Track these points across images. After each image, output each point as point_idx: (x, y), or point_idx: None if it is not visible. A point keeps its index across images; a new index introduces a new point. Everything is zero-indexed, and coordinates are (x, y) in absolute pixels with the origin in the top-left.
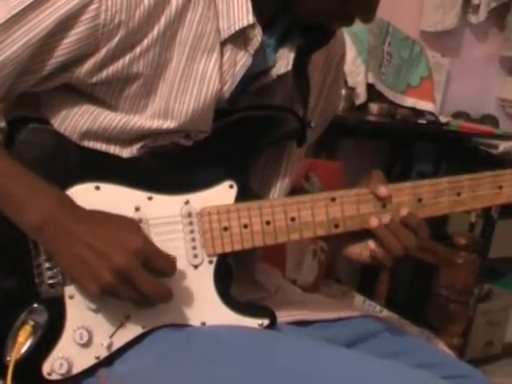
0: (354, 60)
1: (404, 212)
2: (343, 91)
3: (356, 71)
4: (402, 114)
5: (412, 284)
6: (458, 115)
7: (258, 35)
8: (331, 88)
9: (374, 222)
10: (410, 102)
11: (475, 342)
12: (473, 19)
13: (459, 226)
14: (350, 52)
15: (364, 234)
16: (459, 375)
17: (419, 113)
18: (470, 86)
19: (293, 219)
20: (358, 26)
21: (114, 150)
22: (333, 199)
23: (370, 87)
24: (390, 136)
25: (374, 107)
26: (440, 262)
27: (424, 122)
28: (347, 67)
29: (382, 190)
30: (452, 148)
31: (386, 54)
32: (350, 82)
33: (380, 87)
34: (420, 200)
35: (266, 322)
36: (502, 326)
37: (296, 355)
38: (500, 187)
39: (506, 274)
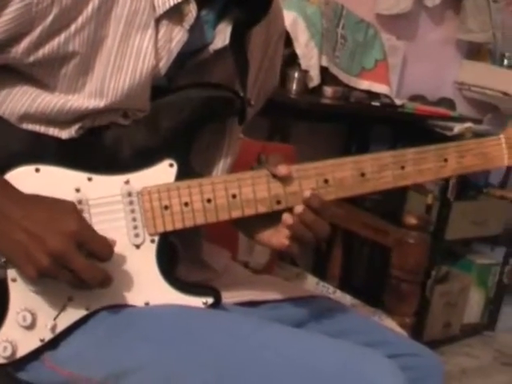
0: (307, 43)
1: (307, 193)
2: (296, 74)
3: (309, 54)
4: (356, 97)
5: (368, 265)
6: (414, 98)
7: (192, 10)
8: (269, 66)
9: (288, 220)
10: (364, 84)
11: (433, 323)
12: (428, 2)
13: (415, 208)
14: (303, 35)
15: (274, 217)
16: (408, 353)
17: (374, 96)
18: (426, 69)
19: (234, 196)
20: (311, 9)
21: (53, 131)
22: (274, 175)
23: (325, 70)
24: (346, 119)
25: (328, 90)
26: (392, 242)
27: (378, 104)
28: (300, 50)
29: (281, 169)
30: (407, 130)
31: (340, 37)
32: (303, 65)
33: (334, 70)
34: (363, 174)
35: (210, 300)
36: (460, 308)
37: (236, 334)
38: (445, 160)
39: (464, 255)
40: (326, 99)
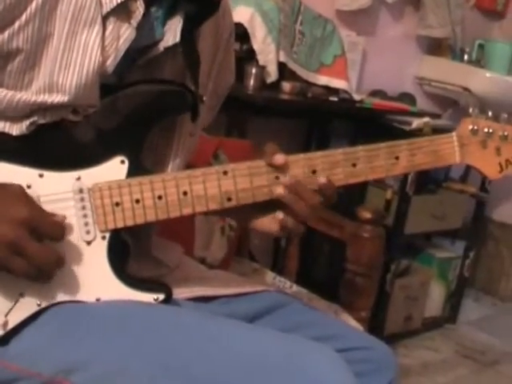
0: (264, 39)
1: (322, 180)
2: (253, 70)
3: (266, 50)
4: (314, 93)
5: (327, 260)
6: (375, 93)
7: (140, 8)
8: (222, 65)
9: (278, 190)
10: (323, 80)
11: (394, 317)
12: None
13: (375, 203)
14: (260, 31)
15: (270, 206)
16: (361, 347)
17: (333, 91)
18: (386, 65)
19: (185, 193)
20: (268, 5)
21: (3, 127)
22: (225, 172)
23: (283, 66)
24: (305, 115)
25: (286, 86)
26: (347, 236)
27: (336, 99)
28: (257, 46)
29: (279, 159)
30: (367, 125)
31: (298, 32)
32: (261, 61)
33: (292, 66)
34: (314, 172)
35: (161, 296)
36: (421, 301)
37: (181, 328)
38: (397, 158)
39: (424, 249)
40: (284, 95)
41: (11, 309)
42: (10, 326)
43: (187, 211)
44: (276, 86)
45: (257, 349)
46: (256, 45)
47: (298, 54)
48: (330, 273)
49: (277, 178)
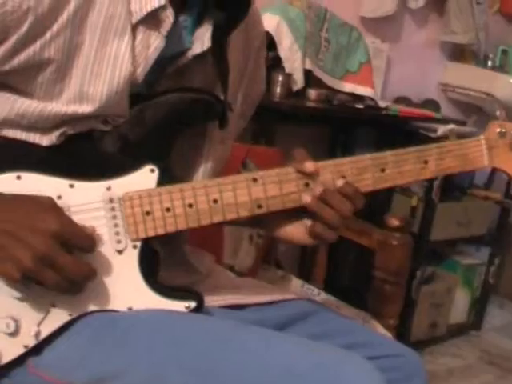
0: (290, 46)
1: (340, 182)
2: (280, 77)
3: (293, 57)
4: (340, 100)
5: (353, 267)
6: (399, 100)
7: (169, 16)
8: (253, 74)
9: (306, 198)
10: (348, 87)
11: (419, 323)
12: (412, 4)
13: (400, 210)
14: (287, 38)
15: (298, 214)
16: (391, 354)
17: (359, 98)
18: (410, 72)
19: (215, 201)
20: (294, 12)
21: (33, 138)
22: (254, 180)
23: (308, 73)
24: (330, 122)
25: (312, 93)
26: (375, 244)
27: (361, 106)
28: (284, 53)
29: (309, 166)
30: (392, 132)
31: (323, 40)
32: (287, 69)
33: (318, 73)
34: (344, 177)
35: (192, 304)
36: (446, 308)
37: (214, 336)
38: (425, 162)
39: (449, 256)
40: (310, 102)
41: (43, 319)
42: (43, 335)
43: (218, 219)
44: (302, 93)
45: (289, 357)
46: (282, 52)
47: (324, 62)
48: (355, 280)
49: (306, 184)
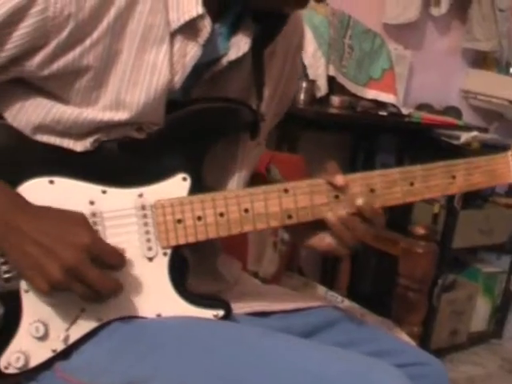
0: (314, 53)
1: (359, 202)
2: (304, 84)
3: (316, 64)
4: (363, 107)
5: (376, 275)
6: (421, 107)
7: (207, 26)
8: (289, 77)
9: (329, 217)
10: (371, 94)
11: (440, 331)
12: (435, 12)
13: (422, 217)
14: (311, 45)
15: (322, 224)
16: (416, 363)
17: (381, 105)
18: (432, 78)
19: (246, 211)
20: (318, 19)
21: (67, 143)
22: (286, 190)
23: (332, 80)
24: (352, 128)
25: (335, 100)
26: (400, 252)
27: (385, 113)
28: (307, 60)
29: (339, 180)
30: (414, 139)
31: (347, 46)
32: (311, 75)
33: (341, 80)
34: (373, 190)
35: (220, 312)
36: (467, 316)
37: (243, 343)
38: (453, 177)
39: (470, 263)
40: (333, 109)
41: (72, 323)
42: (72, 340)
43: (248, 228)
44: (325, 100)
45: (319, 365)
46: (306, 59)
47: (347, 68)
48: (376, 287)
49: (336, 196)
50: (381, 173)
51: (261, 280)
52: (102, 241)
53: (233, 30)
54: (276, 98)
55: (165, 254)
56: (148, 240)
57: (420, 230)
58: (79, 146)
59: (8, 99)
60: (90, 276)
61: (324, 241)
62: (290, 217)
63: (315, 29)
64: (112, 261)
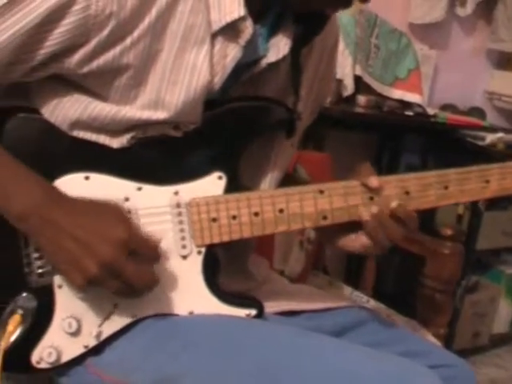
0: (341, 52)
1: (394, 204)
2: None
3: (343, 63)
4: (389, 106)
5: (399, 275)
6: (445, 107)
7: (249, 28)
8: (323, 76)
9: (364, 215)
10: (397, 94)
11: (462, 333)
12: (460, 12)
13: (447, 218)
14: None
15: (354, 224)
16: (445, 364)
17: (407, 105)
18: (457, 79)
19: (281, 211)
20: (346, 18)
21: (103, 140)
22: (321, 191)
23: (358, 79)
24: (378, 128)
25: (361, 99)
26: (426, 252)
27: (411, 113)
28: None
29: (373, 181)
30: (439, 140)
31: (373, 46)
32: (338, 74)
33: (367, 79)
34: (407, 193)
35: (253, 312)
36: (489, 318)
37: (276, 342)
38: (487, 181)
39: (493, 265)
40: (359, 108)
41: (105, 320)
42: (104, 336)
43: (283, 228)
44: (351, 99)
45: (354, 365)
46: None
47: (373, 68)
48: (399, 287)
49: (371, 198)
50: (416, 175)
51: (287, 279)
52: (139, 235)
53: (272, 31)
54: (311, 98)
55: (199, 252)
56: (182, 238)
57: (447, 231)
58: (115, 142)
59: (46, 95)
60: (126, 271)
61: (356, 241)
62: (325, 218)
63: (342, 28)
64: (149, 254)
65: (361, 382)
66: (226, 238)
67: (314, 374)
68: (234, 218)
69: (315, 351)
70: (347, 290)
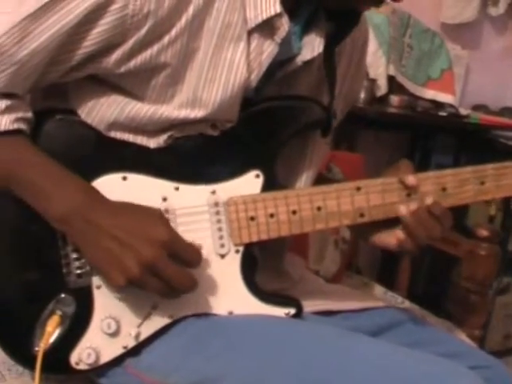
0: (375, 52)
1: (429, 201)
2: (364, 83)
3: (377, 63)
4: (422, 106)
5: (430, 275)
6: (477, 108)
7: (285, 24)
8: (354, 75)
9: (402, 210)
10: (430, 94)
11: (494, 334)
12: (492, 11)
13: (479, 219)
14: (372, 44)
15: (389, 222)
16: (481, 366)
17: (439, 105)
18: (489, 79)
19: (319, 209)
20: (379, 17)
21: (141, 140)
22: (358, 188)
23: (391, 79)
24: (410, 128)
25: (394, 99)
26: (462, 253)
27: (445, 114)
28: (368, 59)
29: (411, 179)
30: (471, 140)
31: (406, 46)
32: (371, 74)
33: (400, 79)
34: (444, 189)
35: (292, 311)
36: None
37: (319, 341)
38: None
39: None
40: (392, 108)
41: (144, 320)
42: (143, 337)
43: (320, 226)
44: (384, 99)
45: (397, 367)
46: (367, 58)
47: (406, 68)
48: (431, 287)
49: (408, 195)
50: (453, 172)
51: (322, 279)
52: (180, 237)
53: (305, 29)
54: (341, 96)
55: (237, 251)
56: (220, 237)
57: (483, 232)
58: (153, 142)
59: (82, 96)
60: (167, 272)
61: (393, 238)
62: (362, 215)
63: (376, 27)
64: (190, 257)
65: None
66: (264, 237)
67: (357, 377)
68: (272, 216)
69: (361, 353)
70: (381, 290)
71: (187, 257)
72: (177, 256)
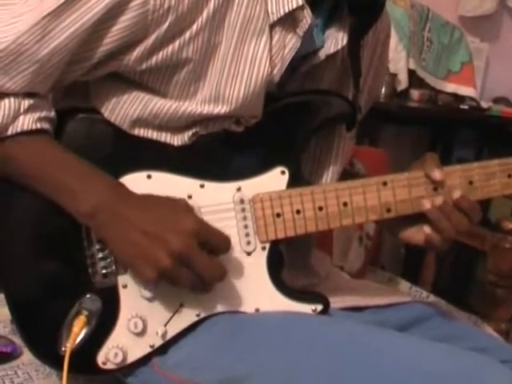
0: (395, 46)
1: (457, 195)
2: (385, 77)
3: (397, 57)
4: (443, 100)
5: (454, 269)
6: (498, 100)
7: (307, 17)
8: (376, 69)
9: (427, 205)
10: (451, 87)
11: None
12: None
13: (502, 212)
14: (392, 38)
15: (417, 217)
16: (510, 360)
17: (460, 98)
18: (509, 71)
19: (345, 204)
20: (399, 12)
21: (165, 137)
22: (384, 183)
23: (411, 73)
24: (431, 122)
25: (415, 93)
26: (487, 247)
27: (466, 107)
28: (390, 53)
29: (437, 174)
30: (493, 134)
31: (426, 39)
32: (392, 69)
33: (421, 73)
34: (471, 182)
35: (319, 307)
36: None
37: (350, 341)
38: None
39: None
40: (413, 102)
41: (171, 319)
42: (169, 335)
43: (347, 222)
44: (404, 93)
45: (429, 363)
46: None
47: (427, 61)
48: (455, 281)
49: (435, 189)
50: (480, 165)
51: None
52: (207, 224)
53: (327, 23)
54: (366, 90)
55: (263, 248)
56: (247, 234)
57: (509, 225)
58: (177, 139)
59: (105, 94)
60: (198, 261)
61: (420, 233)
62: (388, 210)
63: (396, 22)
64: (219, 243)
65: (439, 380)
66: (290, 233)
67: (390, 374)
68: (298, 212)
69: (392, 350)
70: (406, 285)
71: (216, 243)
72: (206, 243)
